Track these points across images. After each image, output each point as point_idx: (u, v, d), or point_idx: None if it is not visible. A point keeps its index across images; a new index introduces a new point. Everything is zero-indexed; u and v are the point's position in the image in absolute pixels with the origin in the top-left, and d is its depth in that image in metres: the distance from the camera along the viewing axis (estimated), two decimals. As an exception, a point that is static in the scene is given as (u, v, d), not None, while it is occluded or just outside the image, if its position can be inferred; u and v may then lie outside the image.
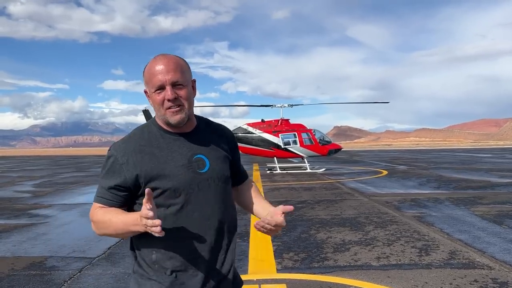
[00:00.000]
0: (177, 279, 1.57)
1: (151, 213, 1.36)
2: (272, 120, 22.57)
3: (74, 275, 4.79)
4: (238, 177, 1.90)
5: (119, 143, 1.64)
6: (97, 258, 5.45)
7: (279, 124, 22.22)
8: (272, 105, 23.33)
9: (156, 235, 1.37)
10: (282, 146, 21.53)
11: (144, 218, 1.38)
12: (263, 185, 14.54)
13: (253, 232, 6.85)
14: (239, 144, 22.62)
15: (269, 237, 6.41)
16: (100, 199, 1.61)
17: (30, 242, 6.51)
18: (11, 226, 7.83)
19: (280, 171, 20.81)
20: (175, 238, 1.56)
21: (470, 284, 4.26)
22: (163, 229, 1.44)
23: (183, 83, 1.58)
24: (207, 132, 1.74)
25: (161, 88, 1.56)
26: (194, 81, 1.68)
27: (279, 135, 21.68)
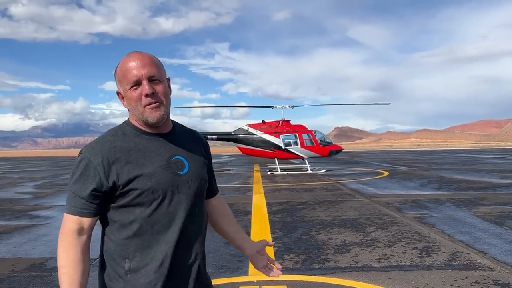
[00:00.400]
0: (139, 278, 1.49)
1: None
2: (273, 121, 22.58)
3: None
4: (211, 189, 1.82)
5: (91, 144, 1.52)
6: (97, 259, 5.44)
7: (280, 125, 22.23)
8: (273, 106, 23.33)
9: None
10: (283, 147, 21.53)
11: None
12: (264, 186, 14.54)
13: (253, 233, 6.85)
14: (240, 145, 22.71)
15: (270, 238, 6.40)
16: (74, 209, 1.47)
17: (31, 243, 6.51)
18: (12, 227, 7.83)
19: (281, 172, 20.81)
20: (149, 239, 1.49)
21: (471, 285, 4.24)
22: (138, 231, 1.46)
23: (159, 78, 1.51)
24: (184, 135, 1.67)
25: (137, 83, 1.48)
26: (169, 79, 1.61)
27: (280, 136, 21.68)
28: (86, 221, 1.48)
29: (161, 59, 1.59)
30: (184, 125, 1.77)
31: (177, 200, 1.52)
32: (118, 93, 1.57)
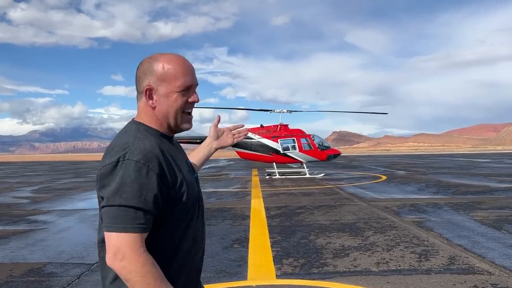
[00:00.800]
0: None
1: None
2: (271, 126, 22.60)
3: (73, 281, 4.77)
4: None
5: (138, 150, 1.31)
6: (96, 264, 5.42)
7: (278, 130, 22.25)
8: (271, 110, 23.37)
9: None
10: (281, 152, 21.54)
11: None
12: (262, 190, 14.53)
13: (252, 238, 6.84)
14: (238, 149, 22.72)
15: (268, 243, 6.40)
16: (139, 227, 1.25)
17: (29, 248, 6.48)
18: (10, 232, 7.80)
19: (279, 177, 20.80)
20: (184, 256, 1.42)
21: (470, 289, 4.25)
22: (176, 247, 1.39)
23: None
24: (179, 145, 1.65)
25: (188, 89, 1.43)
26: None
27: (278, 140, 21.70)
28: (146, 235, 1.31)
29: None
30: None
31: (201, 205, 1.53)
32: (149, 89, 1.41)
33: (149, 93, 1.42)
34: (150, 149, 1.33)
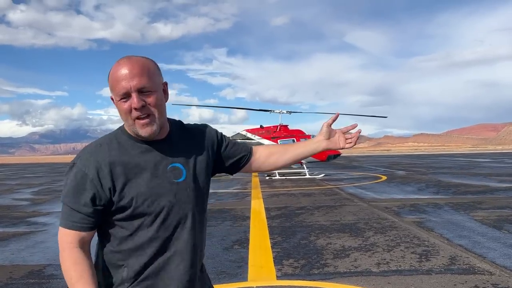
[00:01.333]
0: None
1: None
2: (270, 126, 22.61)
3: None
4: (244, 155, 1.75)
5: (85, 155, 1.45)
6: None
7: (277, 130, 22.25)
8: (270, 110, 23.36)
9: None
10: (281, 152, 21.51)
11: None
12: (262, 191, 14.52)
13: (252, 238, 6.83)
14: None
15: (268, 244, 6.39)
16: (72, 224, 1.43)
17: (29, 250, 6.47)
18: (9, 234, 7.79)
19: (279, 177, 20.80)
20: (151, 253, 1.46)
21: (471, 289, 4.24)
22: (138, 245, 1.44)
23: (151, 89, 1.41)
24: (182, 137, 1.58)
25: (127, 95, 1.39)
26: (165, 84, 1.51)
27: (278, 141, 21.68)
28: (86, 234, 1.46)
29: (159, 65, 1.49)
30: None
31: (177, 210, 1.48)
32: (112, 99, 1.48)
33: (113, 102, 1.49)
34: (95, 155, 1.44)
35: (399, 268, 5.01)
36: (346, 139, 1.75)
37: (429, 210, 9.44)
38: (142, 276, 1.46)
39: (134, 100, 1.38)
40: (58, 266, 5.43)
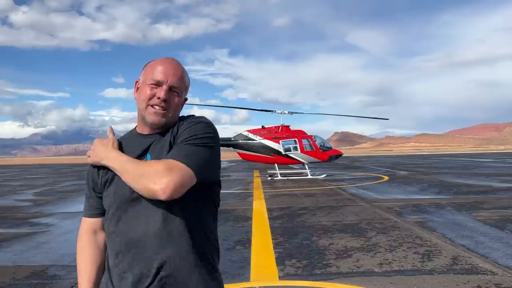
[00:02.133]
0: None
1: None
2: (272, 127, 22.59)
3: (76, 284, 4.76)
4: None
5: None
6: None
7: (279, 131, 22.24)
8: (272, 111, 23.36)
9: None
10: (283, 153, 21.52)
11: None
12: (264, 192, 14.52)
13: (254, 239, 6.83)
14: (240, 151, 22.71)
15: (270, 244, 6.40)
16: (85, 212, 1.63)
17: (32, 251, 6.49)
18: (12, 235, 7.81)
19: (281, 178, 20.79)
20: (119, 243, 1.47)
21: (474, 289, 4.23)
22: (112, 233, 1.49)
23: (179, 92, 1.52)
24: (172, 130, 1.53)
25: (158, 84, 1.49)
26: (186, 99, 1.60)
27: (280, 141, 21.68)
28: (97, 221, 1.60)
29: None
30: None
31: (144, 205, 1.42)
32: (136, 82, 1.60)
33: (136, 86, 1.60)
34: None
35: (402, 268, 5.01)
36: None
37: (431, 210, 9.43)
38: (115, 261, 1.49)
39: (162, 92, 1.48)
40: (61, 267, 5.46)
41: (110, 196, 1.50)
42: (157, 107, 1.49)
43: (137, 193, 1.39)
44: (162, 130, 1.53)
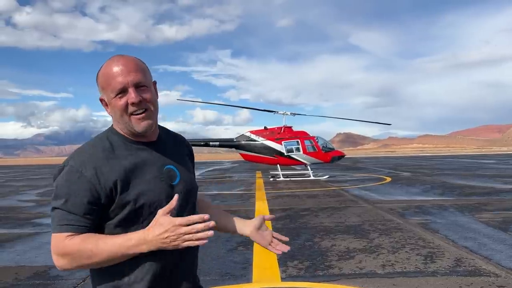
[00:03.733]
0: None
1: (207, 216, 1.28)
2: (274, 128, 22.58)
3: (78, 284, 4.78)
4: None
5: (80, 155, 1.40)
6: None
7: (282, 132, 22.22)
8: (274, 111, 23.35)
9: (203, 242, 1.26)
10: (285, 154, 21.50)
11: (185, 225, 1.26)
12: (266, 193, 14.51)
13: (257, 240, 6.83)
14: (242, 152, 22.72)
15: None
16: (67, 227, 1.31)
17: (34, 251, 6.50)
18: (15, 235, 7.83)
19: (283, 179, 20.77)
20: (148, 257, 1.38)
21: (477, 291, 4.22)
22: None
23: (146, 84, 1.41)
24: (170, 141, 1.58)
25: (123, 91, 1.37)
26: (155, 83, 1.50)
27: (282, 142, 21.66)
28: None
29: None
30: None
31: (173, 213, 1.42)
32: (101, 100, 1.46)
33: (103, 104, 1.47)
34: (90, 155, 1.39)
35: (404, 270, 4.99)
36: (272, 242, 1.76)
37: (434, 211, 9.40)
38: (141, 282, 1.41)
39: (132, 95, 1.37)
40: (63, 267, 5.47)
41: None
42: (138, 113, 1.40)
43: None
44: (151, 133, 1.49)
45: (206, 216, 1.28)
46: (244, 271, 5.12)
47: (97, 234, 1.36)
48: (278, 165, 21.93)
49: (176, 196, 1.34)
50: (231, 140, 22.68)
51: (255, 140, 22.02)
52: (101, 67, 1.43)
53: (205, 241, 1.27)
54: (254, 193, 14.43)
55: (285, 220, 8.66)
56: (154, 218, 1.32)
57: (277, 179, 20.80)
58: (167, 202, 1.36)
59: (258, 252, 6.00)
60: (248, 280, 4.79)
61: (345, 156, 24.61)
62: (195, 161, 1.75)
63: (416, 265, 5.18)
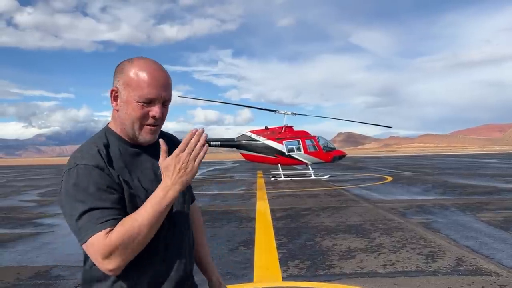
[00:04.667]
0: None
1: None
2: (275, 127, 22.58)
3: (79, 284, 4.77)
4: (193, 196, 1.73)
5: (85, 153, 1.37)
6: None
7: (282, 131, 22.23)
8: (275, 111, 23.35)
9: (206, 148, 1.28)
10: (286, 153, 21.51)
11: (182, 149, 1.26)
12: (267, 192, 14.52)
13: (258, 240, 6.83)
14: (243, 151, 22.73)
15: (274, 245, 6.39)
16: (104, 224, 1.25)
17: (36, 251, 6.51)
18: (17, 235, 7.84)
19: (285, 178, 20.77)
20: (143, 260, 1.35)
21: (478, 291, 4.21)
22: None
23: (168, 102, 1.41)
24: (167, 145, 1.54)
25: (150, 102, 1.36)
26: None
27: (283, 142, 21.67)
28: None
29: (164, 66, 1.45)
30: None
31: (170, 216, 1.41)
32: (114, 91, 1.40)
33: (114, 95, 1.41)
34: (94, 151, 1.35)
35: (406, 269, 4.99)
36: None
37: (436, 211, 9.39)
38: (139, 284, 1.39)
39: (158, 111, 1.36)
40: (65, 267, 5.48)
41: None
42: (151, 125, 1.39)
43: None
44: None
45: (194, 129, 1.30)
46: (245, 271, 5.12)
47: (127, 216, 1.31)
48: (279, 164, 21.93)
49: (161, 140, 1.33)
50: (232, 140, 22.68)
51: (256, 140, 22.03)
52: (136, 61, 1.39)
53: (207, 148, 1.30)
54: (255, 193, 14.44)
55: (286, 220, 8.66)
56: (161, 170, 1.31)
57: (278, 178, 20.80)
58: None
59: (259, 252, 6.00)
60: (249, 280, 4.80)
61: (346, 156, 24.60)
62: None
63: (417, 264, 5.18)
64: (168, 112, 1.49)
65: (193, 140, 1.28)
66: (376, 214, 9.18)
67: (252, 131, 22.54)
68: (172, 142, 1.59)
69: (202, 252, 1.76)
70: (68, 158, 1.45)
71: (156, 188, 1.33)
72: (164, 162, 1.30)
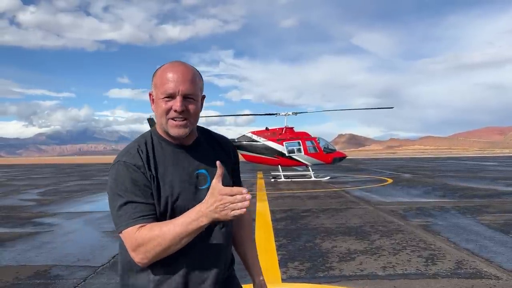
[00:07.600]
0: None
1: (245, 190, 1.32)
2: (276, 128, 22.58)
3: (79, 284, 4.77)
4: None
5: (127, 153, 1.50)
6: (101, 267, 5.44)
7: (283, 132, 22.22)
8: (276, 114, 23.35)
9: (243, 211, 1.29)
10: (287, 154, 21.50)
11: (229, 194, 1.30)
12: (267, 193, 14.51)
13: (257, 241, 6.82)
14: (243, 152, 22.71)
15: (273, 246, 6.39)
16: (137, 220, 1.40)
17: (35, 250, 6.51)
18: (16, 234, 7.83)
19: (285, 179, 20.76)
20: (172, 262, 1.47)
21: (478, 294, 4.20)
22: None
23: (194, 97, 1.49)
24: (208, 145, 1.64)
25: (171, 96, 1.46)
26: (203, 97, 1.59)
27: (284, 143, 21.66)
28: None
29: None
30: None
31: (208, 231, 1.49)
32: (150, 95, 1.56)
33: (151, 98, 1.56)
34: (136, 151, 1.50)
35: (405, 272, 4.98)
36: None
37: (436, 213, 9.38)
38: (166, 283, 1.49)
39: (178, 103, 1.45)
40: (64, 267, 5.47)
41: None
42: (177, 120, 1.48)
43: None
44: (186, 138, 1.56)
45: (244, 190, 1.32)
46: (244, 272, 5.08)
47: (160, 222, 1.42)
48: (279, 165, 21.93)
49: (218, 162, 1.40)
50: (232, 140, 22.67)
51: (256, 141, 22.03)
52: (161, 66, 1.52)
53: (244, 211, 1.30)
54: (255, 194, 14.43)
55: (286, 221, 8.65)
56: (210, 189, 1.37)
57: (278, 180, 20.79)
58: (193, 205, 1.40)
59: (258, 253, 5.99)
60: (249, 281, 4.78)
61: (347, 157, 24.59)
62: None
63: (417, 267, 5.17)
64: None
65: (240, 197, 1.31)
66: (376, 216, 9.17)
67: (253, 132, 22.53)
68: (218, 143, 1.70)
69: (248, 254, 1.96)
70: (75, 157, 1.50)
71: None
72: (215, 186, 1.34)
